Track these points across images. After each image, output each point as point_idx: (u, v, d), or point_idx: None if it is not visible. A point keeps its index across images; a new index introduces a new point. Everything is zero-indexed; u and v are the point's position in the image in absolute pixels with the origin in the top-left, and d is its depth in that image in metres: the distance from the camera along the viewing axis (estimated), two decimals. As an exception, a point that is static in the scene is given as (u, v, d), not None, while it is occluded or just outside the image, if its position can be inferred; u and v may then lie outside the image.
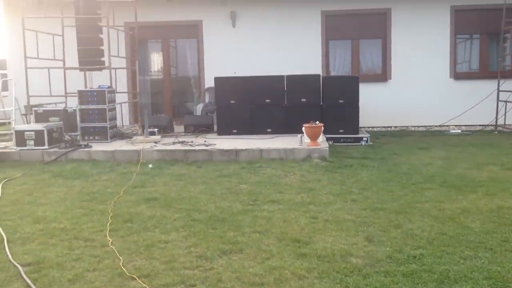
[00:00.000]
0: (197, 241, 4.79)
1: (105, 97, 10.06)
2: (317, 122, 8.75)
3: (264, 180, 7.27)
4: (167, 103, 13.87)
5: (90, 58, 11.41)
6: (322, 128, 8.80)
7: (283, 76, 10.71)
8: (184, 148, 8.94)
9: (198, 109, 13.05)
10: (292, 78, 10.71)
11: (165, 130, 11.10)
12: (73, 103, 11.45)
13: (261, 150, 8.72)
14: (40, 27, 11.44)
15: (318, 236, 4.80)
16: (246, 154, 8.72)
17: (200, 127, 11.33)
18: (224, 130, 10.74)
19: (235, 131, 10.70)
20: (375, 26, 12.95)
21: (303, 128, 8.98)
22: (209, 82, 13.31)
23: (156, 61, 14.18)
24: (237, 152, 8.75)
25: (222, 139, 9.96)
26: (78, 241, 4.93)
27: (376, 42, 13.07)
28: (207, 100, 13.33)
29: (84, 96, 10.10)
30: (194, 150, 8.83)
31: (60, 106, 11.86)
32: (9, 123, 11.63)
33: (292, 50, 12.94)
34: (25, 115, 11.98)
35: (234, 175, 7.65)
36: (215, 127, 11.65)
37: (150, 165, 8.47)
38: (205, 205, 6.03)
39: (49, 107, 11.01)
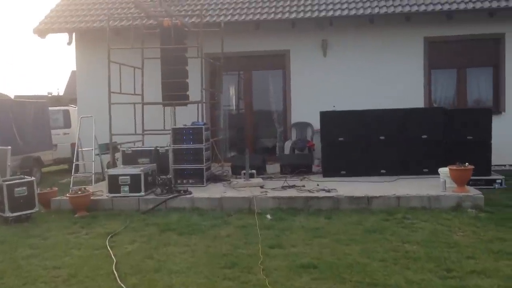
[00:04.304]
0: None
1: (202, 135, 8.91)
2: (466, 164, 7.34)
3: (428, 238, 5.89)
4: (249, 140, 12.67)
5: (175, 92, 10.39)
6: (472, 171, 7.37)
7: (400, 109, 9.39)
8: (305, 195, 7.63)
9: (286, 146, 11.81)
10: (410, 112, 9.38)
11: (259, 171, 9.83)
12: (150, 143, 10.41)
13: (398, 198, 7.34)
14: (118, 59, 10.46)
15: None
16: (380, 202, 7.36)
17: (299, 168, 10.04)
18: (331, 171, 9.42)
19: (343, 172, 9.36)
20: (486, 53, 11.59)
21: (444, 171, 7.59)
22: (296, 117, 12.16)
23: (235, 94, 13.08)
24: (369, 199, 7.39)
25: (335, 182, 8.61)
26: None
27: (486, 71, 11.68)
28: (294, 137, 12.09)
29: (178, 134, 8.97)
30: (317, 198, 7.51)
31: (138, 145, 10.85)
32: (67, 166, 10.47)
33: (390, 81, 11.67)
34: (101, 154, 10.93)
35: (382, 230, 6.30)
36: (314, 167, 10.39)
37: (269, 216, 7.20)
38: (388, 277, 4.69)
39: (133, 147, 9.95)
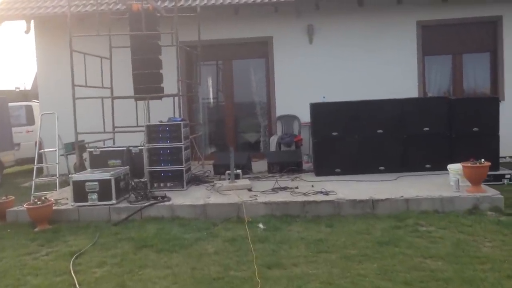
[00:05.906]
0: None
1: (180, 133, 7.87)
2: (482, 160, 6.52)
3: (453, 251, 5.02)
4: (230, 136, 11.68)
5: (148, 84, 9.33)
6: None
7: (399, 99, 8.53)
8: (301, 199, 6.70)
9: (272, 141, 10.86)
10: (410, 102, 8.55)
11: (244, 170, 8.87)
12: (122, 141, 9.35)
13: (407, 200, 6.48)
14: (83, 49, 9.31)
15: None
16: (386, 205, 6.48)
17: (288, 166, 9.10)
18: (325, 169, 8.52)
19: (338, 170, 8.47)
20: (482, 38, 10.83)
21: (455, 168, 6.77)
22: (281, 109, 11.21)
23: (214, 85, 12.02)
24: (374, 203, 6.51)
25: (331, 182, 7.73)
26: None
27: (483, 57, 10.94)
28: (279, 131, 11.15)
29: (153, 131, 7.91)
30: (315, 202, 6.59)
31: (108, 144, 9.76)
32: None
33: (381, 69, 10.82)
34: (68, 155, 9.79)
35: (396, 241, 5.41)
36: (303, 164, 9.48)
37: (261, 225, 6.25)
38: (420, 309, 3.79)
39: (102, 147, 8.85)
